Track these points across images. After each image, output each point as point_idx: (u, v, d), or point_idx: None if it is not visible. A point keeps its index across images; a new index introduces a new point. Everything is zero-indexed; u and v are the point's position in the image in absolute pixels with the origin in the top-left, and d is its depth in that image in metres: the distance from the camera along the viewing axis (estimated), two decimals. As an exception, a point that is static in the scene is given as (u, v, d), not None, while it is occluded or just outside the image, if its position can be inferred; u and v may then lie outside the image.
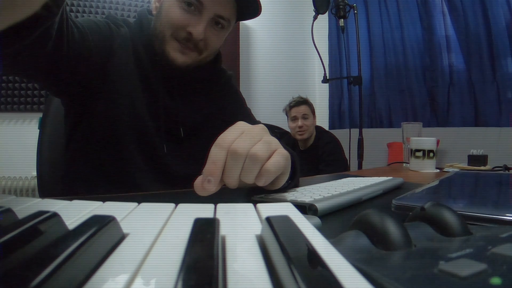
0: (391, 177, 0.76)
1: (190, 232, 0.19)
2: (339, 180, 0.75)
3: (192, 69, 0.80)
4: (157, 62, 0.79)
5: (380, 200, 0.60)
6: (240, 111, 0.95)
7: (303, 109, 2.19)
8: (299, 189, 0.59)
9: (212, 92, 0.91)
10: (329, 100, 3.86)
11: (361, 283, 0.14)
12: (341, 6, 1.92)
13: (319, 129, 2.32)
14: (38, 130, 1.07)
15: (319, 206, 0.44)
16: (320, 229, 0.21)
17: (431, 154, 1.17)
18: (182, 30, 0.74)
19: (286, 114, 2.31)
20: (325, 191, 0.55)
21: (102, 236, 0.18)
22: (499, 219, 0.35)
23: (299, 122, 2.16)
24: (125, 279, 0.14)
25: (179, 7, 0.73)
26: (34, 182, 2.43)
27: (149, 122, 0.79)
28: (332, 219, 0.44)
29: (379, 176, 0.78)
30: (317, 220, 0.35)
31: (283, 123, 2.36)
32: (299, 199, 0.47)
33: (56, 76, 0.69)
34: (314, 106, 2.31)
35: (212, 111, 0.90)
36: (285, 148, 0.53)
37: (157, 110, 0.80)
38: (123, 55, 0.79)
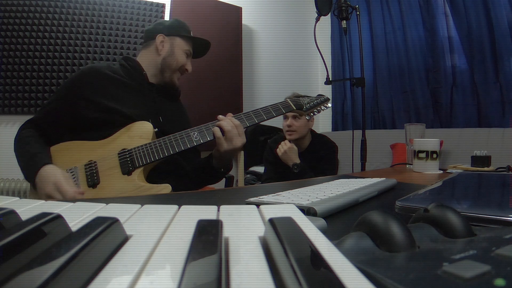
0: (385, 178, 0.76)
1: (193, 234, 0.19)
2: (334, 181, 0.74)
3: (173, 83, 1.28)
4: (143, 78, 1.21)
5: (376, 201, 0.60)
6: (188, 119, 1.39)
7: None
8: (294, 191, 0.59)
9: (176, 103, 1.35)
10: (332, 101, 3.85)
11: (365, 284, 0.14)
12: (343, 8, 1.92)
13: (318, 135, 2.18)
14: None
15: (318, 208, 0.44)
16: (326, 231, 0.21)
17: (434, 155, 1.17)
18: (183, 67, 1.26)
19: None
20: (321, 193, 0.55)
21: (105, 237, 0.18)
22: (502, 220, 0.35)
23: (288, 121, 2.00)
24: (128, 280, 0.14)
25: (184, 55, 1.26)
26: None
27: (142, 112, 1.13)
28: (333, 221, 0.44)
29: (380, 178, 0.78)
30: (322, 221, 0.35)
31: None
32: (296, 202, 0.46)
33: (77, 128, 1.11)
34: None
35: (175, 109, 1.32)
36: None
37: (147, 104, 1.19)
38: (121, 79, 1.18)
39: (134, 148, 1.03)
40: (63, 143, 1.09)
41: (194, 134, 1.05)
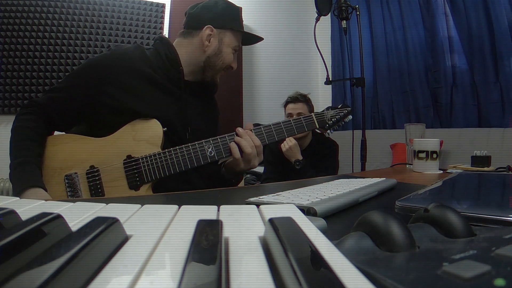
0: (384, 178, 0.76)
1: (193, 234, 0.19)
2: (334, 181, 0.74)
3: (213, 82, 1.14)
4: (180, 77, 1.03)
5: (376, 201, 0.60)
6: (218, 122, 1.25)
7: (299, 106, 2.05)
8: (294, 191, 0.59)
9: (209, 102, 1.19)
10: (332, 101, 3.85)
11: (365, 284, 0.14)
12: (343, 8, 1.92)
13: (319, 134, 2.15)
14: None
15: (318, 208, 0.44)
16: (326, 231, 0.21)
17: (434, 155, 1.17)
18: (227, 65, 1.09)
19: (284, 110, 2.17)
20: (321, 193, 0.55)
21: (105, 237, 0.18)
22: (502, 220, 0.35)
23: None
24: (128, 280, 0.14)
25: (232, 52, 1.08)
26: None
27: (170, 120, 1.00)
28: (333, 221, 0.44)
29: (380, 178, 0.78)
30: (322, 221, 0.35)
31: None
32: (296, 202, 0.46)
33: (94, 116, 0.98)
34: (315, 106, 2.21)
35: (207, 112, 1.15)
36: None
37: (177, 112, 1.03)
38: (148, 72, 1.00)
39: (142, 158, 0.92)
40: (60, 136, 0.98)
41: (209, 149, 0.96)
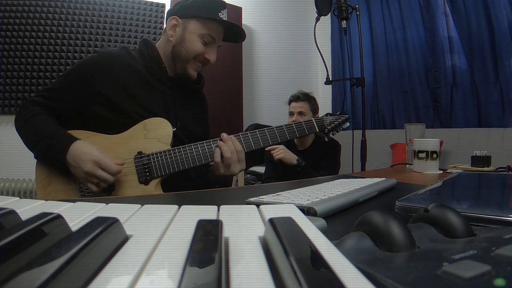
0: (384, 178, 0.76)
1: (193, 234, 0.19)
2: (334, 181, 0.74)
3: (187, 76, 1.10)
4: (162, 73, 1.07)
5: (376, 201, 0.60)
6: (207, 116, 1.27)
7: (300, 105, 2.07)
8: (294, 191, 0.59)
9: (196, 97, 1.20)
10: (332, 101, 3.85)
11: (365, 284, 0.14)
12: (343, 8, 1.92)
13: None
14: None
15: (318, 208, 0.44)
16: (326, 231, 0.21)
17: (434, 155, 1.17)
18: (201, 56, 1.06)
19: (288, 107, 2.20)
20: (321, 193, 0.55)
21: (105, 237, 0.18)
22: (502, 220, 0.35)
23: (294, 117, 2.05)
24: (128, 280, 0.14)
25: (198, 41, 1.04)
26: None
27: (158, 114, 1.02)
28: (333, 221, 0.44)
29: (380, 178, 0.78)
30: (322, 221, 0.35)
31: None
32: (296, 202, 0.46)
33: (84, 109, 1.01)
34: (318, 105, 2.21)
35: (194, 108, 1.18)
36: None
37: (166, 108, 1.07)
38: (135, 70, 1.04)
39: (152, 154, 0.96)
40: (73, 132, 0.99)
41: (216, 148, 0.99)
